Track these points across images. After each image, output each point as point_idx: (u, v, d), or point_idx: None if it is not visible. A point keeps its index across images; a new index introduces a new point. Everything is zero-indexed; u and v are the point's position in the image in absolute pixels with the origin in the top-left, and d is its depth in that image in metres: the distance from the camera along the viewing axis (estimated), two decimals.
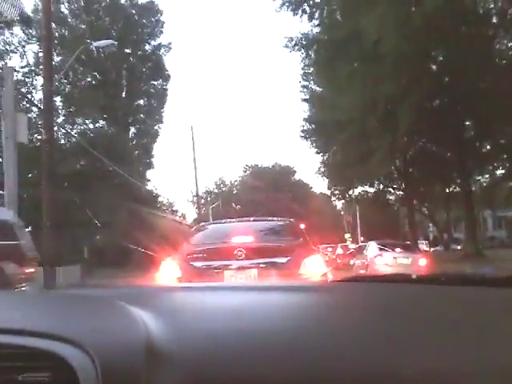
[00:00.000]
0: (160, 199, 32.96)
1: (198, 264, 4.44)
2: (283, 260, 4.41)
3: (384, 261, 12.68)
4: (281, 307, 0.80)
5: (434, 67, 19.73)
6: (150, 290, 1.09)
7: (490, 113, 17.42)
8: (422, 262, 12.33)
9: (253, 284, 1.43)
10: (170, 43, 30.91)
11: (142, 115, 30.39)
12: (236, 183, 56.65)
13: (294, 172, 54.59)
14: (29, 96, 23.49)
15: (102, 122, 28.59)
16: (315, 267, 4.44)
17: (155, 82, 30.68)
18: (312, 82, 27.93)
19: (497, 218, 39.20)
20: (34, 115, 22.32)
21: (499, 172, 24.34)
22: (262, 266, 4.39)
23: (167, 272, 4.44)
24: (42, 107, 12.37)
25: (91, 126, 28.20)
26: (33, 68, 25.66)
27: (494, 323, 0.67)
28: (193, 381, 0.53)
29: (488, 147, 22.48)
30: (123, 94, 29.65)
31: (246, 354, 0.57)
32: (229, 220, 6.18)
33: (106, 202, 21.26)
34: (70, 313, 0.75)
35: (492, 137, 21.11)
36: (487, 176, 25.66)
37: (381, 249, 13.33)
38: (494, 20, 18.05)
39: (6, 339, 0.58)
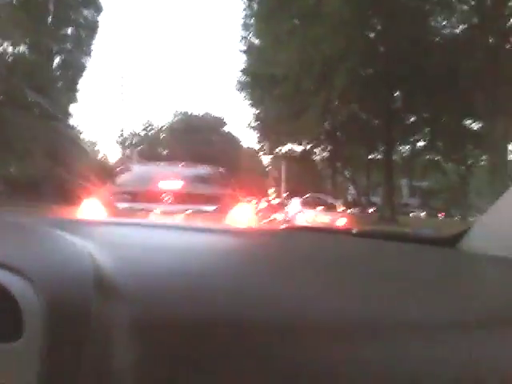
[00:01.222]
0: (82, 136, 31.54)
1: (122, 205, 4.30)
2: (211, 208, 4.38)
3: (305, 218, 13.07)
4: (225, 249, 0.78)
5: (371, 35, 20.02)
6: (87, 222, 1.02)
7: (417, 86, 18.11)
8: (341, 221, 12.85)
9: (191, 225, 1.39)
10: None
11: (68, 45, 28.44)
12: (164, 128, 55.31)
13: (225, 124, 54.18)
14: None
15: (23, 47, 26.44)
16: (243, 217, 4.46)
17: (86, 12, 28.68)
18: (252, 33, 27.42)
19: (412, 186, 41.58)
20: None
21: (420, 144, 25.64)
22: (188, 212, 4.34)
23: (89, 210, 4.27)
24: None
25: (10, 49, 26.02)
26: None
27: (425, 279, 0.67)
28: (141, 316, 0.50)
29: (412, 119, 23.45)
30: (49, 20, 27.48)
31: (195, 293, 0.55)
32: (157, 163, 6.03)
33: (23, 133, 20.01)
34: (7, 239, 0.68)
35: (417, 109, 22.04)
36: (408, 147, 26.92)
37: (303, 206, 13.71)
38: None
39: None
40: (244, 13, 24.97)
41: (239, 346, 0.50)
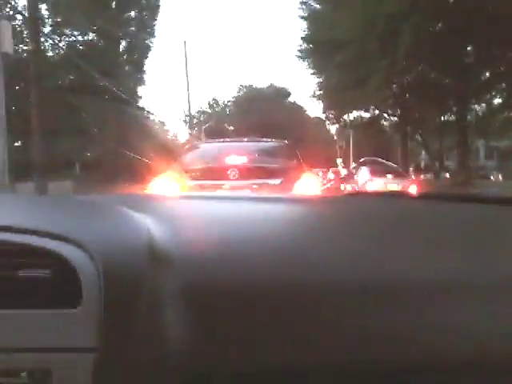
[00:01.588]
0: (151, 117, 32.50)
1: (190, 182, 4.43)
2: (277, 181, 4.43)
3: (374, 186, 12.81)
4: (281, 216, 0.80)
5: None
6: (152, 198, 1.12)
7: (492, 38, 16.93)
8: (413, 188, 12.47)
9: (254, 195, 1.44)
10: None
11: (132, 28, 29.13)
12: (229, 103, 55.78)
13: (289, 94, 53.71)
14: (12, 2, 22.27)
15: (91, 35, 27.40)
16: (309, 188, 4.45)
17: None
18: None
19: (489, 148, 39.36)
20: (19, 23, 21.29)
21: (496, 101, 24.08)
22: (254, 186, 4.40)
23: (160, 188, 4.42)
24: (27, 15, 11.76)
25: (80, 37, 27.05)
26: None
27: (496, 238, 0.67)
28: (194, 285, 0.54)
29: (487, 75, 22.03)
30: (113, 5, 28.23)
31: (246, 260, 0.58)
32: (222, 140, 6.12)
33: (96, 118, 20.92)
34: (70, 214, 0.74)
35: (492, 64, 20.64)
36: (484, 105, 25.36)
37: (372, 174, 13.44)
38: None
39: (7, 236, 0.58)
40: None
41: (286, 311, 0.52)
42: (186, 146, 6.57)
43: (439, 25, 19.61)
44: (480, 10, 15.92)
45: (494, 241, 0.66)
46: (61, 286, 0.55)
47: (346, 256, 0.59)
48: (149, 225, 0.63)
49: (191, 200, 1.05)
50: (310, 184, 4.52)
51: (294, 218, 0.79)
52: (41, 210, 0.78)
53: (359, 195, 1.27)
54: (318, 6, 25.84)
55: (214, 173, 4.53)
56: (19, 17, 21.24)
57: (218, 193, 3.86)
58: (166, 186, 4.38)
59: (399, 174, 14.08)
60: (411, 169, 27.73)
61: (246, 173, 4.43)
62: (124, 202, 0.85)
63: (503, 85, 21.86)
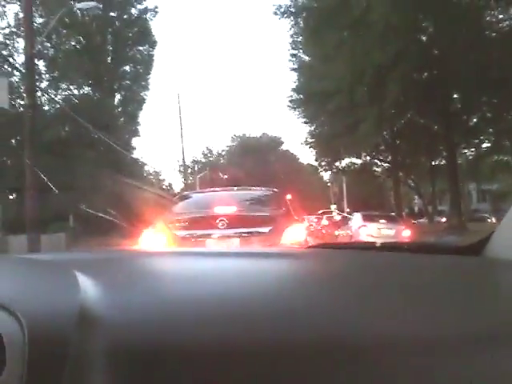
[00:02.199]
0: (146, 168, 32.74)
1: (180, 233, 4.43)
2: (265, 229, 4.43)
3: (368, 232, 12.81)
4: (240, 272, 0.78)
5: (423, 38, 19.54)
6: (114, 256, 1.06)
7: (478, 85, 17.39)
8: (406, 233, 12.49)
9: (221, 250, 1.42)
10: (156, 7, 30.21)
11: (127, 82, 29.85)
12: (223, 153, 56.41)
13: (282, 142, 54.52)
14: (10, 59, 22.88)
15: (86, 88, 28.03)
16: (296, 236, 4.46)
17: (141, 48, 30.08)
18: (301, 50, 27.57)
19: (481, 191, 39.68)
20: (17, 79, 21.79)
21: (485, 145, 24.51)
22: (244, 235, 4.40)
23: (148, 240, 4.42)
24: (24, 71, 12.07)
25: (76, 91, 27.64)
26: (14, 30, 24.87)
27: (448, 290, 0.67)
28: (123, 348, 0.51)
29: (475, 120, 22.52)
30: (108, 60, 29.03)
31: (195, 321, 0.55)
32: (212, 189, 6.17)
33: (91, 170, 21.05)
34: (5, 276, 0.73)
35: (479, 110, 21.14)
36: (473, 149, 25.80)
37: (365, 220, 13.45)
38: None
39: None
40: (292, 31, 25.14)
41: (227, 373, 0.49)
42: (176, 196, 6.59)
43: (425, 74, 20.21)
44: (463, 60, 16.46)
45: (456, 293, 0.65)
46: None
47: (288, 314, 0.57)
48: (87, 285, 0.61)
49: (156, 257, 1.04)
50: (298, 232, 4.54)
51: (250, 273, 0.77)
52: None
53: (318, 247, 1.28)
54: (307, 58, 26.69)
55: (203, 222, 4.53)
56: (17, 73, 21.68)
57: (191, 248, 3.83)
58: (154, 239, 4.38)
59: (393, 219, 14.13)
60: (404, 213, 27.85)
61: (235, 222, 4.44)
62: (76, 261, 0.85)
63: (491, 130, 22.33)
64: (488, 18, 18.73)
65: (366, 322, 0.56)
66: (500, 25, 18.78)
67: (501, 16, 18.70)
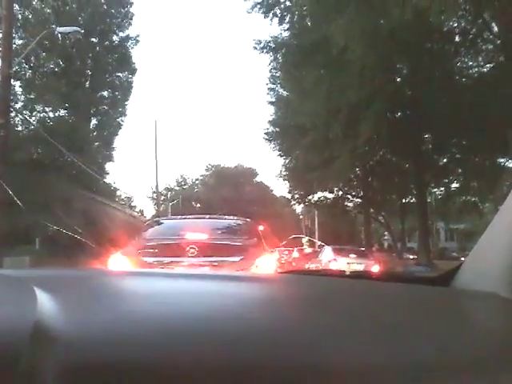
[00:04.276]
0: (118, 193, 32.37)
1: (147, 259, 4.36)
2: (236, 259, 4.40)
3: (338, 266, 12.87)
4: (206, 294, 0.77)
5: (397, 79, 20.18)
6: (75, 274, 1.04)
7: (448, 127, 17.97)
8: (375, 268, 12.58)
9: (189, 272, 1.40)
10: (137, 36, 30.43)
11: (105, 107, 29.74)
12: (197, 182, 56.33)
13: (256, 174, 54.78)
14: None
15: (62, 111, 27.80)
16: (266, 267, 4.44)
17: (121, 74, 30.11)
18: (279, 85, 28.09)
19: (449, 230, 40.49)
20: None
21: (454, 186, 25.15)
22: (214, 264, 4.35)
23: (115, 265, 4.33)
24: None
25: (51, 114, 27.37)
26: None
27: (413, 318, 0.68)
28: (77, 366, 0.50)
29: (444, 161, 23.16)
30: (87, 84, 28.96)
31: (152, 341, 0.54)
32: (184, 216, 6.12)
33: (62, 193, 20.69)
34: None
35: (448, 151, 21.78)
36: (442, 189, 26.44)
37: (336, 254, 13.54)
38: (457, 39, 18.62)
39: None
40: (270, 66, 25.67)
41: None
42: (147, 222, 6.51)
43: (399, 113, 20.80)
44: (435, 102, 17.03)
45: (413, 323, 0.66)
46: None
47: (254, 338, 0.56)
48: (44, 302, 0.60)
49: (119, 276, 1.03)
50: (269, 263, 4.52)
51: (213, 294, 0.77)
52: None
53: (288, 273, 1.28)
54: (285, 93, 27.20)
55: (173, 249, 4.47)
56: None
57: (154, 270, 3.78)
58: (121, 264, 4.29)
59: (362, 254, 14.25)
60: (374, 249, 28.13)
61: (206, 249, 4.40)
62: (37, 277, 0.83)
63: (459, 170, 22.98)
64: (459, 64, 19.55)
65: (329, 347, 0.55)
66: (470, 71, 19.62)
67: (470, 63, 19.56)
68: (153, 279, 0.94)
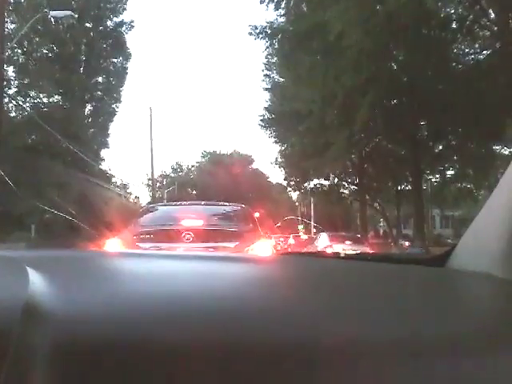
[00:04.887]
0: (114, 180, 32.31)
1: (143, 245, 4.37)
2: (231, 245, 4.41)
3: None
4: (201, 274, 0.77)
5: (394, 66, 20.09)
6: (69, 255, 1.04)
7: (444, 114, 17.95)
8: None
9: (186, 253, 1.40)
10: (132, 21, 30.15)
11: (99, 93, 29.56)
12: (193, 168, 56.20)
13: (252, 161, 54.75)
14: None
15: (57, 97, 27.60)
16: (262, 252, 4.46)
17: (115, 60, 29.90)
18: (274, 71, 27.95)
19: (444, 216, 40.68)
20: None
21: (449, 173, 25.22)
22: (209, 249, 4.36)
23: (111, 250, 4.33)
24: None
25: (45, 99, 27.17)
26: None
27: (409, 297, 0.69)
28: (62, 340, 0.50)
29: (440, 148, 23.17)
30: (81, 70, 28.73)
31: (142, 319, 0.54)
32: (179, 202, 6.13)
33: (57, 180, 20.64)
34: None
35: (445, 138, 21.78)
36: (438, 176, 26.50)
37: (331, 240, 13.59)
38: (454, 25, 18.52)
39: None
40: (266, 52, 25.52)
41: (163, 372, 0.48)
42: (142, 208, 6.51)
43: (394, 100, 20.73)
44: (431, 89, 17.00)
45: (414, 299, 0.67)
46: None
47: (262, 316, 0.56)
48: (36, 281, 0.60)
49: (112, 257, 1.02)
50: (264, 248, 4.54)
51: (206, 275, 0.76)
52: None
53: (286, 255, 1.29)
54: (281, 79, 27.06)
55: (168, 235, 4.49)
56: None
57: (149, 251, 3.80)
58: (116, 249, 4.30)
59: (358, 241, 14.32)
60: (370, 235, 28.27)
61: (201, 235, 4.41)
62: (31, 257, 0.83)
63: (455, 157, 23.00)
64: (455, 51, 19.45)
65: (323, 325, 0.55)
66: (466, 58, 19.55)
67: (467, 50, 19.48)
68: (147, 260, 0.94)
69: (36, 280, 0.60)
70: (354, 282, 0.78)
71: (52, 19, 21.09)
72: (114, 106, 30.10)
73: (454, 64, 19.16)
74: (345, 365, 0.51)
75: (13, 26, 23.47)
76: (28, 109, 25.01)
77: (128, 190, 40.01)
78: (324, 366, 0.50)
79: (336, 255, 1.32)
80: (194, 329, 0.52)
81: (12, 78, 24.94)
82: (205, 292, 0.63)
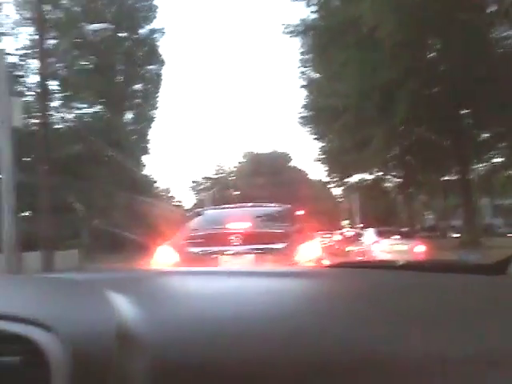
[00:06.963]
0: (156, 185, 32.93)
1: (194, 249, 4.41)
2: (280, 246, 4.40)
3: (381, 247, 12.69)
4: (266, 292, 0.78)
5: (431, 55, 19.57)
6: (139, 275, 1.07)
7: (487, 101, 17.34)
8: (419, 248, 12.34)
9: (244, 269, 1.42)
10: (163, 28, 30.66)
11: (138, 100, 30.16)
12: (234, 169, 56.59)
13: (290, 159, 54.62)
14: (24, 79, 23.24)
15: (98, 107, 28.35)
16: (311, 253, 4.43)
17: (150, 67, 30.41)
18: (310, 68, 27.75)
19: (494, 206, 39.28)
20: (30, 99, 22.09)
21: (496, 160, 24.30)
22: (258, 251, 4.37)
23: (163, 257, 4.41)
24: (37, 91, 12.25)
25: (87, 110, 27.96)
26: (27, 51, 25.26)
27: (474, 310, 0.67)
28: (162, 365, 0.52)
29: (486, 135, 22.40)
30: (119, 79, 29.41)
31: (225, 340, 0.56)
32: (226, 206, 6.17)
33: (103, 188, 21.21)
34: (44, 296, 0.74)
35: (489, 125, 21.04)
36: (485, 164, 25.59)
37: (378, 235, 13.35)
38: (492, 8, 17.84)
39: None
40: (301, 49, 25.39)
41: None
42: (189, 214, 6.60)
43: (434, 90, 20.20)
44: (471, 75, 16.45)
45: (477, 312, 0.66)
46: (30, 371, 0.53)
47: (333, 334, 0.58)
48: (122, 305, 0.62)
49: (179, 275, 1.05)
50: (313, 248, 4.51)
51: (279, 295, 0.77)
52: (9, 292, 0.77)
53: (336, 266, 1.28)
54: (316, 75, 26.86)
55: (217, 239, 4.51)
56: (30, 93, 21.98)
57: (211, 268, 3.83)
58: (168, 255, 4.36)
59: (406, 235, 13.99)
60: (417, 229, 27.64)
61: (249, 238, 4.41)
62: (104, 280, 0.86)
63: (502, 144, 22.17)
64: (494, 35, 18.73)
65: (386, 344, 0.56)
66: (506, 42, 18.78)
67: (505, 34, 18.69)
68: (212, 278, 0.96)
69: (119, 303, 0.62)
70: (417, 297, 0.76)
71: (90, 32, 21.72)
72: (151, 112, 30.69)
73: (493, 49, 18.47)
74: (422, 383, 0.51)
75: (54, 41, 24.25)
76: (72, 120, 25.78)
77: (169, 195, 40.73)
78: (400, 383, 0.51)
79: (391, 264, 1.29)
80: (274, 348, 0.54)
81: (55, 91, 25.78)
82: (276, 311, 0.65)
